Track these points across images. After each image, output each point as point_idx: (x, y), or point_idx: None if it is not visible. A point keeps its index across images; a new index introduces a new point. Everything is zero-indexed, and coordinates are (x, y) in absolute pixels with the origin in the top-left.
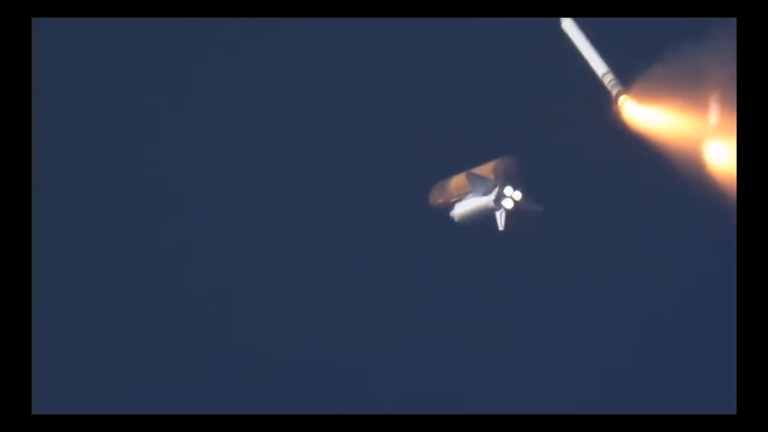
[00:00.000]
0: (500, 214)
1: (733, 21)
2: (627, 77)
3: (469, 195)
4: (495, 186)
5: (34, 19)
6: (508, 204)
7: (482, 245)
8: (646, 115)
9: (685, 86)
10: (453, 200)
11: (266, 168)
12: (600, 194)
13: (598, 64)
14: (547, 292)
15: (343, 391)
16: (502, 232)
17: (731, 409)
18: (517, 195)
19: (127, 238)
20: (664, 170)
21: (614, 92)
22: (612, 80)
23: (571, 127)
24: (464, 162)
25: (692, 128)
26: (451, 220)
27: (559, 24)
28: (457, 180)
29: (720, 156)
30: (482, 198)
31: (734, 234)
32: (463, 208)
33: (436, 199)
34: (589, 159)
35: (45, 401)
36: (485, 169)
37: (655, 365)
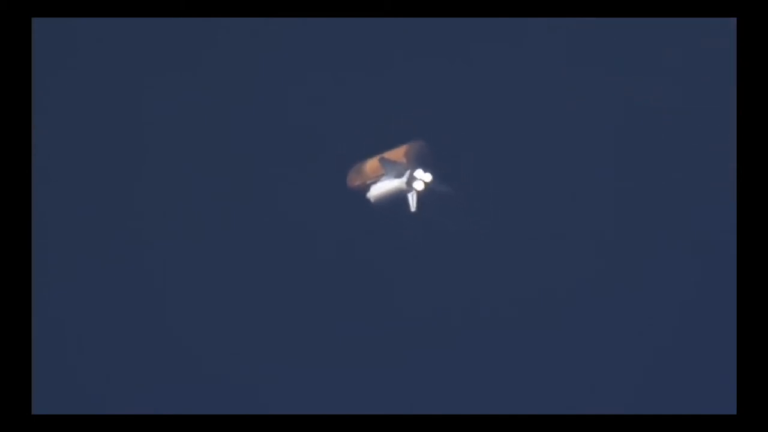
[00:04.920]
0: (412, 196)
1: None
2: None
3: (384, 177)
4: (407, 169)
5: (34, 19)
6: (418, 186)
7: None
8: None
9: None
10: (369, 182)
11: (265, 170)
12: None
13: None
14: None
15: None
16: (413, 213)
17: (731, 409)
18: (428, 177)
19: (127, 237)
20: None
21: None
22: None
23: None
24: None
25: None
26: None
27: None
28: (372, 163)
29: None
30: (395, 180)
31: (734, 232)
32: (378, 190)
33: (354, 181)
34: None
35: (45, 401)
36: (397, 153)
37: (654, 364)
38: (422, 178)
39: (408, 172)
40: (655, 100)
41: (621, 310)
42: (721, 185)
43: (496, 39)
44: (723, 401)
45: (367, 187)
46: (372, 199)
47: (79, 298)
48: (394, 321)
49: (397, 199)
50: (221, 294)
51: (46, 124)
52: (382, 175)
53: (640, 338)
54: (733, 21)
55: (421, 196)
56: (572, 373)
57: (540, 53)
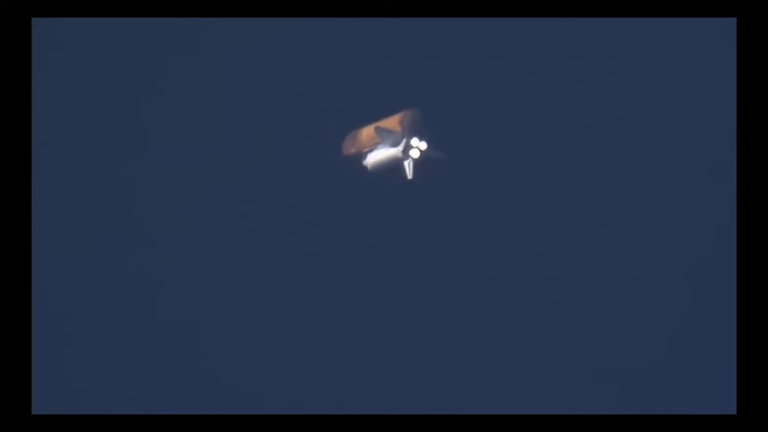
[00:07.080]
0: (408, 164)
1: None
2: None
3: (379, 146)
4: (402, 138)
5: (34, 19)
6: (414, 154)
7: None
8: None
9: None
10: (365, 150)
11: (264, 169)
12: None
13: None
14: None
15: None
16: (410, 180)
17: (731, 409)
18: (423, 145)
19: (127, 237)
20: None
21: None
22: None
23: None
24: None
25: None
26: (364, 168)
27: None
28: (367, 132)
29: None
30: (391, 149)
31: (734, 232)
32: (374, 158)
33: (349, 149)
34: None
35: (45, 401)
36: (392, 122)
37: (654, 365)
38: (418, 145)
39: (404, 140)
40: (655, 99)
41: (621, 311)
42: (721, 185)
43: (496, 39)
44: (723, 401)
45: (362, 156)
46: (368, 167)
47: (79, 298)
48: (395, 321)
49: (394, 167)
50: (221, 294)
51: (46, 124)
52: (378, 143)
53: (641, 338)
54: (733, 21)
55: (417, 163)
56: (572, 372)
57: (540, 53)
